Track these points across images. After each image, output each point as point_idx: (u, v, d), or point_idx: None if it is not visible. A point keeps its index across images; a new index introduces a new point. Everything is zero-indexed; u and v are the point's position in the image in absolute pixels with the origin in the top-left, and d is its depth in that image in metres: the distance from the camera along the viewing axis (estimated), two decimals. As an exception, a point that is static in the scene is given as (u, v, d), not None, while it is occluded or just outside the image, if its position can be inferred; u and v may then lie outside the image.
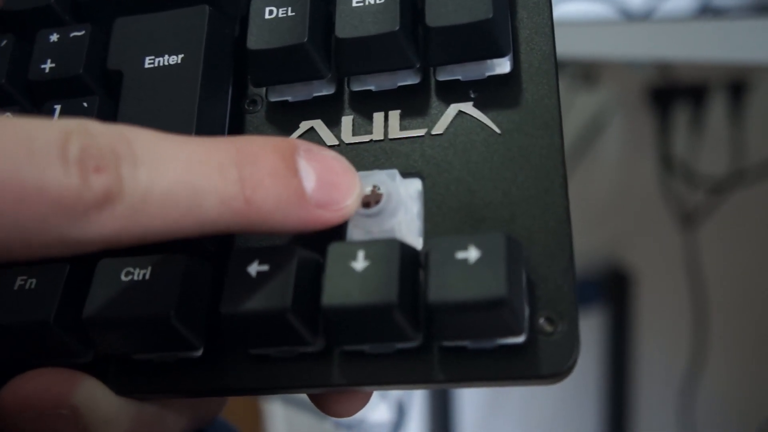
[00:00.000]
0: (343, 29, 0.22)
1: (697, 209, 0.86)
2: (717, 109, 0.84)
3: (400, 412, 0.84)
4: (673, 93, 0.85)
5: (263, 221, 0.18)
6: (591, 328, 0.96)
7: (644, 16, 0.66)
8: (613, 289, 0.96)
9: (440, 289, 0.18)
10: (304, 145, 0.19)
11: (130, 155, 0.17)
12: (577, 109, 0.90)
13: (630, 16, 0.66)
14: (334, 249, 0.20)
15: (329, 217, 0.19)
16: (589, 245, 0.92)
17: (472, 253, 0.19)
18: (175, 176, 0.17)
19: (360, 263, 0.19)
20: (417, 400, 0.94)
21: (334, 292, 0.19)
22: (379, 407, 0.84)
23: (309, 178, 0.19)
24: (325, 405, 0.22)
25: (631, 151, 0.95)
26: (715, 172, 0.84)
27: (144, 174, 0.17)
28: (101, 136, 0.17)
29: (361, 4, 0.22)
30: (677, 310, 0.88)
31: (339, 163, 0.20)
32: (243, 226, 0.18)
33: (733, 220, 0.84)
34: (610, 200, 0.93)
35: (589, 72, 0.88)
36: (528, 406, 1.01)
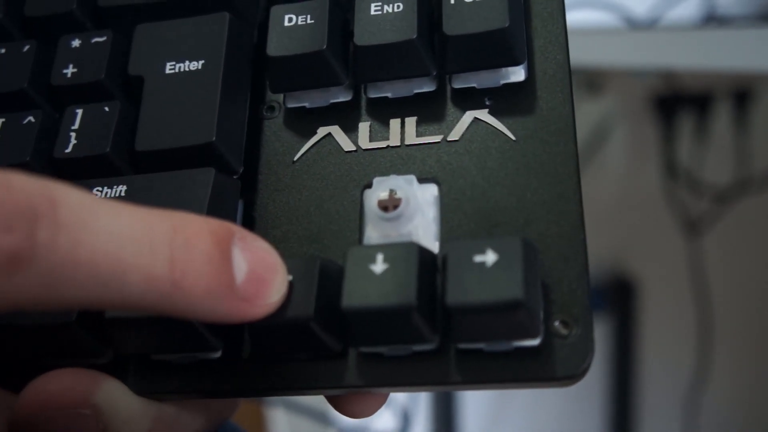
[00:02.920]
0: (362, 37, 0.23)
1: (701, 217, 0.86)
2: (722, 117, 0.84)
3: (405, 419, 0.84)
4: (677, 101, 0.86)
5: (187, 307, 0.18)
6: (595, 336, 0.96)
7: (649, 25, 0.66)
8: (618, 297, 0.96)
9: (458, 291, 0.19)
10: (240, 232, 0.19)
11: (50, 217, 0.15)
12: (582, 116, 0.90)
13: (635, 25, 0.67)
14: (353, 252, 0.20)
15: (252, 312, 0.19)
16: (593, 253, 0.92)
17: (490, 257, 0.19)
18: (100, 247, 0.16)
19: (379, 266, 0.19)
20: (422, 406, 0.94)
21: (354, 294, 0.19)
22: (383, 414, 0.84)
23: (240, 269, 0.18)
24: (342, 406, 0.22)
25: (635, 159, 0.95)
26: (720, 181, 0.84)
27: (64, 240, 0.15)
28: (21, 192, 0.15)
29: (380, 12, 0.23)
30: (682, 318, 0.88)
31: (271, 257, 0.19)
32: (166, 308, 0.18)
33: (738, 229, 0.84)
34: (614, 208, 0.94)
35: (593, 80, 0.88)
36: (532, 413, 1.01)
